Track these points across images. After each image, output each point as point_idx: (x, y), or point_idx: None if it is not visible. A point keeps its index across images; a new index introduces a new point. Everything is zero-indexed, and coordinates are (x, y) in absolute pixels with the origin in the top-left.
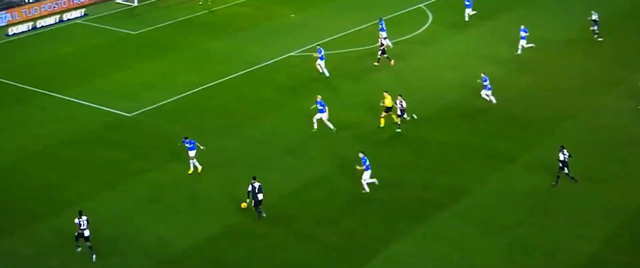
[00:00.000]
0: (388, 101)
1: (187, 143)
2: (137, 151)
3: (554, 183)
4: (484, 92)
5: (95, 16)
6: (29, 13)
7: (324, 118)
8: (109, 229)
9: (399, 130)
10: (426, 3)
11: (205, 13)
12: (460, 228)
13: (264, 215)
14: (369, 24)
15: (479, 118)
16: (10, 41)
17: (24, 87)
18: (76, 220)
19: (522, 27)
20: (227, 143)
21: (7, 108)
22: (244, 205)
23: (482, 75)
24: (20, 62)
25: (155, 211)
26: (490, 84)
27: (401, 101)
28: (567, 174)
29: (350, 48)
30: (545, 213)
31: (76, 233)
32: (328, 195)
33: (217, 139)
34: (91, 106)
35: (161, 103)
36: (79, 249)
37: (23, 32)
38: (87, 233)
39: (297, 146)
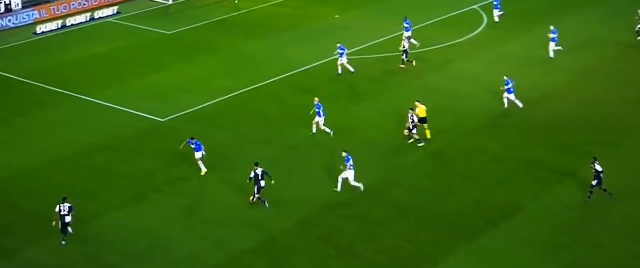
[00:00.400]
0: (420, 111)
1: (192, 144)
2: (169, 158)
3: (587, 197)
4: (506, 97)
5: (127, 14)
6: (58, 10)
7: (320, 123)
8: (138, 242)
9: (420, 144)
10: (481, 4)
11: (242, 13)
12: (513, 247)
13: (267, 205)
14: (417, 26)
15: (536, 128)
16: (37, 40)
17: (51, 90)
18: (57, 208)
19: (552, 28)
20: (264, 151)
21: (34, 111)
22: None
23: (505, 78)
24: (48, 63)
25: (187, 223)
26: (513, 87)
27: (412, 115)
28: (600, 188)
29: (396, 52)
30: (603, 231)
31: (59, 222)
32: (371, 208)
33: (255, 147)
34: (122, 110)
35: (196, 108)
36: (64, 242)
37: (51, 30)
38: (67, 219)
39: (338, 155)
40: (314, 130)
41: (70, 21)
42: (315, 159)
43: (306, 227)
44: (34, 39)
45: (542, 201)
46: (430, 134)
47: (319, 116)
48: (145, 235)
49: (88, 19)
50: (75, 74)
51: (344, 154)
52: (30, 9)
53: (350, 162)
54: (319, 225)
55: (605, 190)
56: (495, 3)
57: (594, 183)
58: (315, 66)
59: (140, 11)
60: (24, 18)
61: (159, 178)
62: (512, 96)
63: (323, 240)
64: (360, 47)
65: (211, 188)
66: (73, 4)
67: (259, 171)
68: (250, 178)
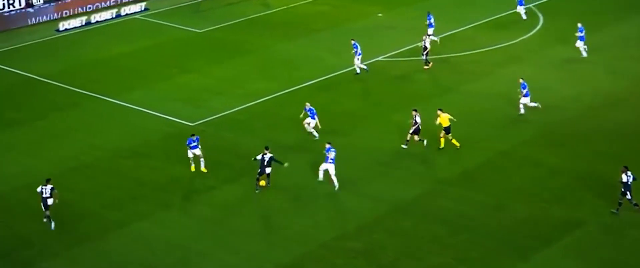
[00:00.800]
0: (443, 120)
1: (192, 141)
2: (199, 165)
3: (615, 210)
4: (523, 102)
5: (156, 11)
6: (83, 7)
7: (311, 124)
8: (165, 255)
9: (404, 147)
10: (537, 3)
11: (276, 11)
12: (570, 267)
13: (268, 184)
14: (467, 26)
15: (597, 138)
16: (60, 37)
17: (75, 91)
18: (39, 188)
19: (579, 25)
20: (302, 160)
21: (56, 114)
22: (262, 182)
23: (521, 81)
24: (72, 62)
25: (218, 235)
26: (528, 90)
27: (415, 116)
28: (629, 200)
29: (445, 54)
30: None
31: (42, 204)
32: (416, 222)
33: (291, 155)
34: (150, 113)
35: (228, 112)
36: (52, 227)
37: (75, 28)
38: (49, 201)
39: (383, 165)
40: (315, 135)
41: (95, 18)
42: (353, 169)
43: (346, 242)
44: (56, 36)
45: (603, 219)
46: (459, 143)
47: (312, 118)
48: (172, 249)
49: (114, 16)
50: (100, 74)
51: (327, 145)
52: (54, 4)
53: (332, 156)
54: (360, 239)
55: (635, 204)
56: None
57: (623, 193)
58: (354, 69)
59: (169, 8)
60: (46, 14)
61: (188, 186)
62: (527, 100)
63: (364, 256)
64: (407, 48)
65: (242, 197)
66: (99, 1)
67: (267, 156)
68: (256, 159)
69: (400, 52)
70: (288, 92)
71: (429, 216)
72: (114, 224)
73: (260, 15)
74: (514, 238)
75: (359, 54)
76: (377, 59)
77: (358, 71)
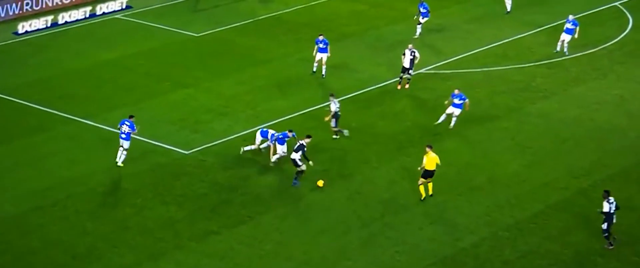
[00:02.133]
0: (429, 161)
1: (126, 126)
2: (197, 204)
3: (607, 245)
4: (448, 112)
5: (141, 10)
6: (49, 3)
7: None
8: None
9: (345, 133)
10: (624, 1)
11: (297, 9)
12: None
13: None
14: (535, 30)
15: None
16: (20, 41)
17: (42, 110)
18: None
19: (570, 17)
20: (327, 198)
21: (18, 140)
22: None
23: (456, 92)
24: (36, 74)
25: None
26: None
27: (333, 101)
28: (604, 230)
29: (508, 65)
30: None
31: None
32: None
33: (314, 191)
34: (135, 138)
35: (233, 137)
36: None
37: (39, 30)
38: None
39: (437, 209)
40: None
41: (64, 18)
42: (403, 214)
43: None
44: (15, 40)
45: None
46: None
47: (279, 144)
48: None
49: (87, 16)
50: (73, 89)
51: (290, 133)
52: (9, 1)
53: (283, 145)
54: None
55: (609, 236)
56: None
57: (603, 226)
58: (394, 82)
59: (158, 5)
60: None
61: (182, 230)
62: (457, 111)
63: None
64: (457, 57)
65: (248, 243)
66: None
67: (301, 142)
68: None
69: (449, 63)
70: (310, 111)
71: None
72: None
73: (274, 15)
74: None
75: (324, 51)
76: (418, 71)
77: (315, 69)
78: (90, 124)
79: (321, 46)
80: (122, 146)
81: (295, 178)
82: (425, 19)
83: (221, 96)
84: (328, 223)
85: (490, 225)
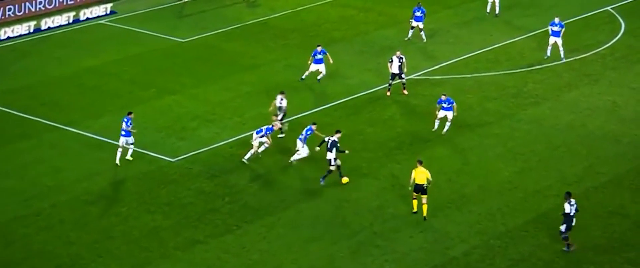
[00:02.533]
0: (418, 175)
1: (126, 123)
2: (183, 213)
3: (565, 248)
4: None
5: (126, 15)
6: (32, 8)
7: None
8: None
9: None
10: (616, 5)
11: (284, 14)
12: None
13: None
14: (527, 35)
15: None
16: (2, 48)
17: (24, 117)
18: None
19: (556, 20)
20: (315, 206)
21: (1, 148)
22: (345, 180)
23: (443, 97)
24: (19, 81)
25: None
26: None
27: (282, 100)
28: (562, 231)
29: (499, 70)
30: None
31: None
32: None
33: (302, 199)
34: (119, 146)
35: (219, 144)
36: None
37: (22, 36)
38: None
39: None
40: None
41: (47, 23)
42: (394, 225)
43: None
44: None
45: None
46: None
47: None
48: None
49: (71, 21)
50: (57, 96)
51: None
52: None
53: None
54: None
55: (566, 240)
56: None
57: (562, 228)
58: (383, 88)
59: (143, 10)
60: None
61: (168, 239)
62: (449, 114)
63: None
64: (448, 62)
65: (235, 253)
66: (51, 0)
67: (332, 139)
68: (324, 141)
69: (439, 68)
70: (298, 117)
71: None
72: None
73: (261, 21)
74: None
75: (320, 62)
76: (411, 76)
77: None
78: (75, 132)
79: (318, 56)
80: (127, 143)
81: (324, 177)
82: (419, 23)
83: (208, 102)
84: (316, 231)
85: (481, 234)
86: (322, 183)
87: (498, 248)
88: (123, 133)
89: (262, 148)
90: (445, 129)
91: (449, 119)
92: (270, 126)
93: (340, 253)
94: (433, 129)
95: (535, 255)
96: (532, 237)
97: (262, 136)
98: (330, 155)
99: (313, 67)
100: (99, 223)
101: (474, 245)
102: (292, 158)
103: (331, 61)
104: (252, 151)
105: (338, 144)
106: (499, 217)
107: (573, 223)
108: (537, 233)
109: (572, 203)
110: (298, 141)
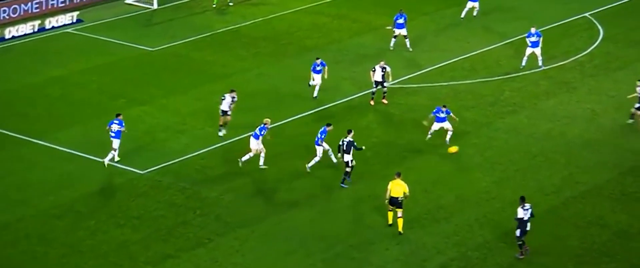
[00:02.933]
0: (395, 188)
1: (116, 125)
2: (153, 226)
3: (518, 254)
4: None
5: (93, 23)
6: None
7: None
8: None
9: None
10: (594, 11)
11: (255, 22)
12: None
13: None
14: (503, 42)
15: None
16: None
17: None
18: None
19: (532, 30)
20: (290, 218)
21: None
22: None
23: (440, 108)
24: None
25: None
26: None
27: (233, 97)
28: (518, 236)
29: (476, 78)
30: None
31: None
32: None
33: (276, 212)
34: (89, 158)
35: (190, 155)
36: None
37: None
38: None
39: (404, 229)
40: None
41: (10, 32)
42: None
43: None
44: None
45: None
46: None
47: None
48: None
49: (36, 30)
50: (21, 107)
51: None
52: None
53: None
54: None
55: (522, 246)
56: None
57: (517, 233)
58: (359, 97)
59: (110, 19)
60: None
61: (137, 254)
62: (446, 124)
63: None
64: (424, 71)
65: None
66: (15, 8)
67: (346, 140)
68: (339, 145)
69: (415, 76)
70: (271, 128)
71: None
72: None
73: (232, 29)
74: None
75: (319, 72)
76: (386, 85)
77: (315, 93)
78: (41, 144)
79: (317, 68)
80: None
81: (343, 181)
82: (401, 31)
83: (178, 113)
84: (291, 244)
85: (459, 245)
86: (344, 186)
87: (476, 260)
88: (113, 134)
89: (261, 153)
90: (448, 139)
91: (450, 129)
92: (263, 125)
93: (315, 266)
94: (426, 139)
95: (514, 266)
96: (510, 248)
97: (261, 133)
98: (348, 157)
99: (317, 79)
100: (66, 237)
101: (451, 257)
102: (309, 165)
103: (326, 76)
104: (250, 154)
105: (355, 143)
106: (476, 228)
107: (528, 228)
108: (515, 245)
109: (526, 208)
110: (316, 147)
